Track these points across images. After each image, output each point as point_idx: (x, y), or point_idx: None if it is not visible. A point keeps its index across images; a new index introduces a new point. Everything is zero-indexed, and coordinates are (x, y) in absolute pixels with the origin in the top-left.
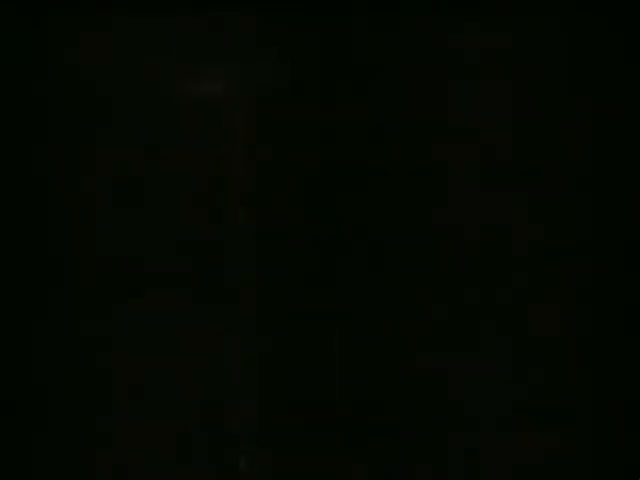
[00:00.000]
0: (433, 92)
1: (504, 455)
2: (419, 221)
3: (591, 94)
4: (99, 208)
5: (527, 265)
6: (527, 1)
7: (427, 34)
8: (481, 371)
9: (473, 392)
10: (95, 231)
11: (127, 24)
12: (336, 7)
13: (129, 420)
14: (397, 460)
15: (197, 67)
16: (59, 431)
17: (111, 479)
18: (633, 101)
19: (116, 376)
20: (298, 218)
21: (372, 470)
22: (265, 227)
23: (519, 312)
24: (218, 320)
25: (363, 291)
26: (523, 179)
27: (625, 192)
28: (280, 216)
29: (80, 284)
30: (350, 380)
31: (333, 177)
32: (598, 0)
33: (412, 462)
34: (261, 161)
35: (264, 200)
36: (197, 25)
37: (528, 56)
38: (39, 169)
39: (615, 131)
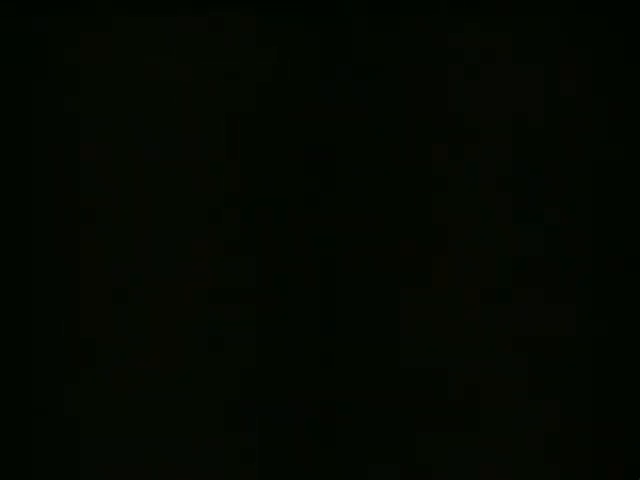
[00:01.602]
0: (433, 92)
1: (503, 453)
2: (419, 219)
3: (591, 93)
4: (99, 208)
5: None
6: (527, 1)
7: (427, 34)
8: (479, 370)
9: (472, 390)
10: (96, 230)
11: (127, 24)
12: (336, 7)
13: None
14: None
15: (197, 67)
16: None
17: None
18: (633, 101)
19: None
20: (298, 217)
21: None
22: (265, 226)
23: (519, 315)
24: (218, 321)
25: (361, 290)
26: (523, 178)
27: (624, 191)
28: (280, 215)
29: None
30: (349, 383)
31: (333, 175)
32: (598, 0)
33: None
34: (261, 161)
35: (265, 200)
36: (197, 25)
37: (528, 56)
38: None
39: (615, 130)
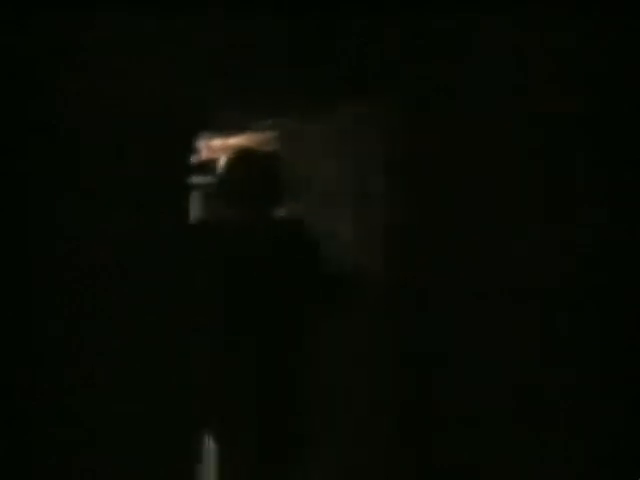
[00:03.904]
0: (433, 91)
1: (504, 455)
2: (420, 218)
3: (591, 93)
4: (98, 208)
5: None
6: (527, 1)
7: (427, 34)
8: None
9: (478, 391)
10: (95, 230)
11: (127, 24)
12: (338, 7)
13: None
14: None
15: (197, 66)
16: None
17: None
18: (633, 101)
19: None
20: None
21: None
22: None
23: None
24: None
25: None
26: (522, 178)
27: (623, 191)
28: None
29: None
30: None
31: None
32: (598, 0)
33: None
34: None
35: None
36: (197, 25)
37: (528, 56)
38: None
39: (615, 130)
